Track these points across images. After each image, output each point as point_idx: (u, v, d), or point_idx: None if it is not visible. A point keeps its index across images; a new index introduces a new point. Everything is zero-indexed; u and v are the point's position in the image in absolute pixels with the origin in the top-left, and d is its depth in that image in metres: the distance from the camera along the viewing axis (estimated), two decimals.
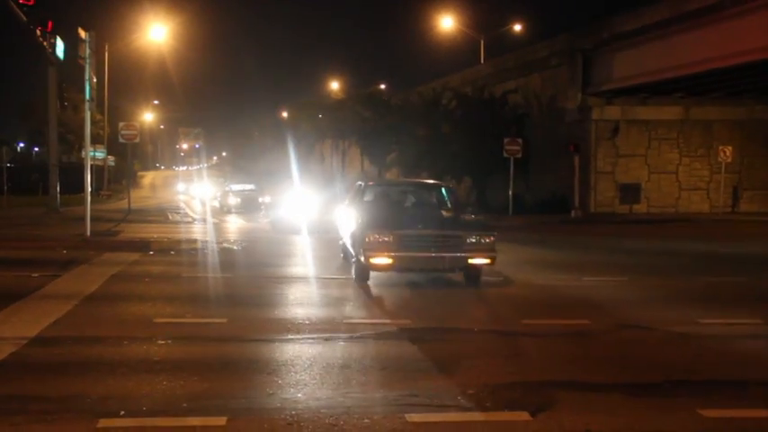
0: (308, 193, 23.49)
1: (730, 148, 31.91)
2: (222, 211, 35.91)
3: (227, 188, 38.39)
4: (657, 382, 6.19)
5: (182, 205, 42.55)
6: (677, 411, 5.42)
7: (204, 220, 28.56)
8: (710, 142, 34.92)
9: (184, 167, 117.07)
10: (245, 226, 26.98)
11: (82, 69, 18.08)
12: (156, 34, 40.81)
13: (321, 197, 22.66)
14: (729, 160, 31.82)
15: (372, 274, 11.49)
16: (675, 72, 29.40)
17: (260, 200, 34.49)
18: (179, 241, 18.58)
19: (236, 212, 34.07)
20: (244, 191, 37.39)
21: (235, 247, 17.81)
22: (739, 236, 23.97)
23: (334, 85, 71.92)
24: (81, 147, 21.15)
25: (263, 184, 39.42)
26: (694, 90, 32.59)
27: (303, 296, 10.65)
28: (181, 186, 64.89)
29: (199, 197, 48.44)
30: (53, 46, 22.05)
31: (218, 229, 24.60)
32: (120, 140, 29.35)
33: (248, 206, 34.73)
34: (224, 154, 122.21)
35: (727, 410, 5.47)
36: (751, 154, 35.38)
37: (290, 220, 22.18)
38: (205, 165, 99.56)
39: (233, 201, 35.78)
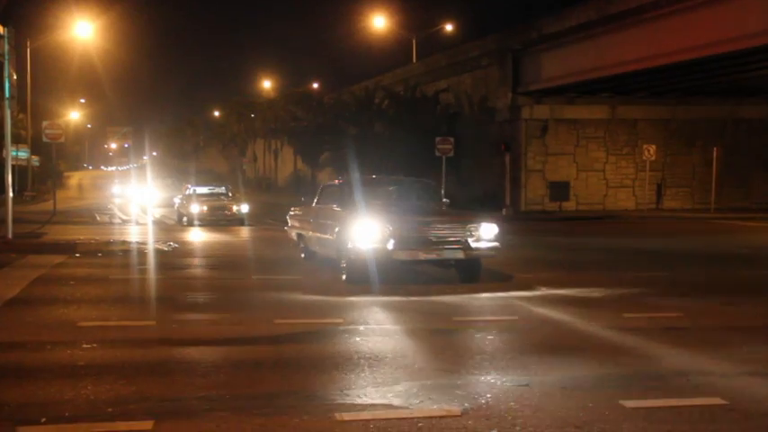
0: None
1: (654, 146, 32.96)
2: (181, 222, 27.08)
3: (188, 192, 28.52)
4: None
5: (115, 209, 38.28)
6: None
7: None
8: (635, 141, 35.94)
9: (113, 167, 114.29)
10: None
11: (1, 66, 17.47)
12: (82, 31, 39.69)
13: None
14: (653, 158, 32.87)
15: None
16: (601, 72, 30.19)
17: (234, 209, 26.87)
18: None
19: (199, 225, 25.68)
20: (212, 195, 28.11)
21: None
22: (663, 232, 24.74)
23: (267, 85, 71.50)
24: (1, 146, 20.32)
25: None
26: (620, 90, 33.55)
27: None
28: (117, 189, 53.59)
29: (138, 203, 39.60)
30: None
31: None
32: (45, 140, 28.47)
33: (218, 216, 26.51)
34: (154, 153, 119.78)
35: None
36: (673, 152, 36.57)
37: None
38: (135, 165, 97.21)
39: (196, 209, 26.30)
